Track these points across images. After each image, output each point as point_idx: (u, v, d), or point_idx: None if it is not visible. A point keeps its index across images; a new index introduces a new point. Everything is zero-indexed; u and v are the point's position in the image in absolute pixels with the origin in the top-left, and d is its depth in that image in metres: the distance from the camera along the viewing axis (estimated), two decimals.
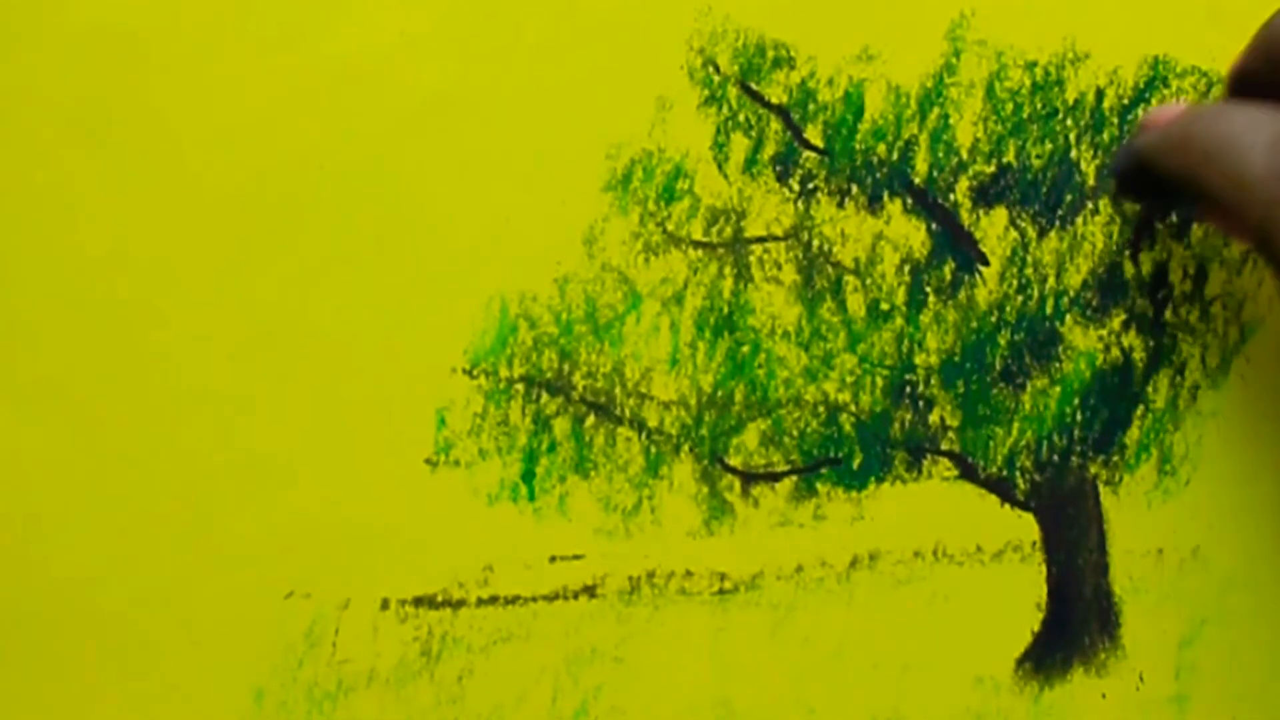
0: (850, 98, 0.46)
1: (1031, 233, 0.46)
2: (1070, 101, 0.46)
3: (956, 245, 0.46)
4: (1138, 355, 0.47)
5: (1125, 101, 0.46)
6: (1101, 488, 0.46)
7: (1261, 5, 0.46)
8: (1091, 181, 0.46)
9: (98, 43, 0.44)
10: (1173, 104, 0.45)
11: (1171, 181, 0.40)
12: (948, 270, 0.46)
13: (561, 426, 0.45)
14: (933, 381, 0.46)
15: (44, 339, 0.43)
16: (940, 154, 0.46)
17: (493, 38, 0.45)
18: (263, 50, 0.44)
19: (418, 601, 0.44)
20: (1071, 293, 0.46)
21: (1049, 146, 0.46)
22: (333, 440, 0.44)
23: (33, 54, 0.43)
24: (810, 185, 0.45)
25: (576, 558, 0.45)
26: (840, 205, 0.46)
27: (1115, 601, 0.46)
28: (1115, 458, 0.47)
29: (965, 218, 0.46)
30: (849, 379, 0.46)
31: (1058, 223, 0.46)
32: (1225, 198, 0.37)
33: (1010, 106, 0.46)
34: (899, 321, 0.46)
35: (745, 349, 0.45)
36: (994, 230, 0.46)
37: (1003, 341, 0.46)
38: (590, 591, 0.44)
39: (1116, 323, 0.47)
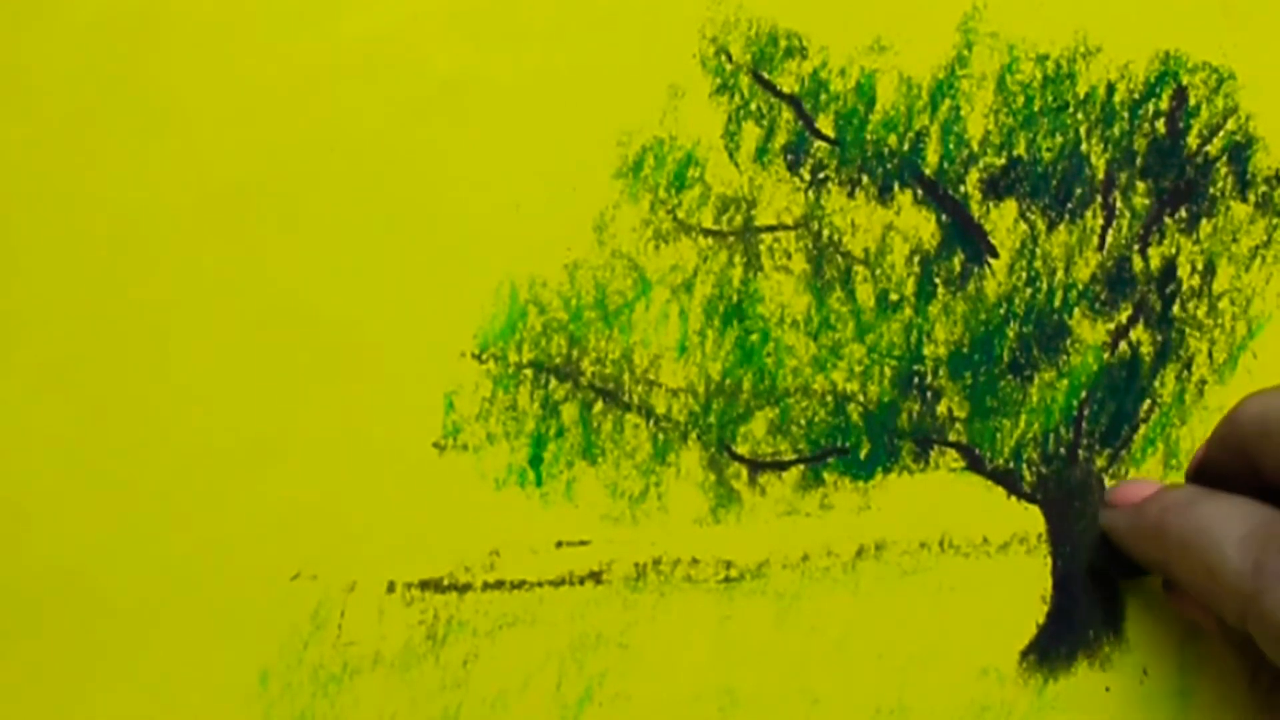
0: (862, 88, 0.46)
1: (1041, 225, 0.46)
2: (1081, 95, 0.46)
3: (966, 237, 0.46)
4: (1145, 349, 0.47)
5: (1136, 96, 0.47)
6: (1108, 481, 0.46)
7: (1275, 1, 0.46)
8: (1101, 175, 0.47)
9: (109, 26, 0.44)
10: (1138, 481, 0.44)
11: (1138, 560, 0.41)
12: (957, 262, 0.46)
13: (570, 412, 0.45)
14: (941, 373, 0.46)
15: (51, 320, 0.43)
16: (951, 146, 0.46)
17: (504, 24, 0.45)
18: (273, 34, 0.44)
19: (424, 585, 0.44)
20: (1080, 286, 0.46)
21: (1059, 140, 0.46)
22: (340, 422, 0.44)
23: (44, 36, 0.43)
24: (821, 175, 0.46)
25: (583, 543, 0.45)
26: (850, 195, 0.46)
27: (1120, 595, 0.46)
28: (1122, 451, 0.47)
29: (975, 209, 0.46)
30: (857, 369, 0.46)
31: (1067, 216, 0.46)
32: (1200, 591, 0.37)
33: (1021, 99, 0.46)
34: (908, 312, 0.46)
35: (754, 337, 0.45)
36: (1004, 222, 0.46)
37: (1011, 334, 0.46)
38: (596, 577, 0.44)
39: (1124, 317, 0.47)
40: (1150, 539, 0.39)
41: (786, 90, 0.45)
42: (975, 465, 0.46)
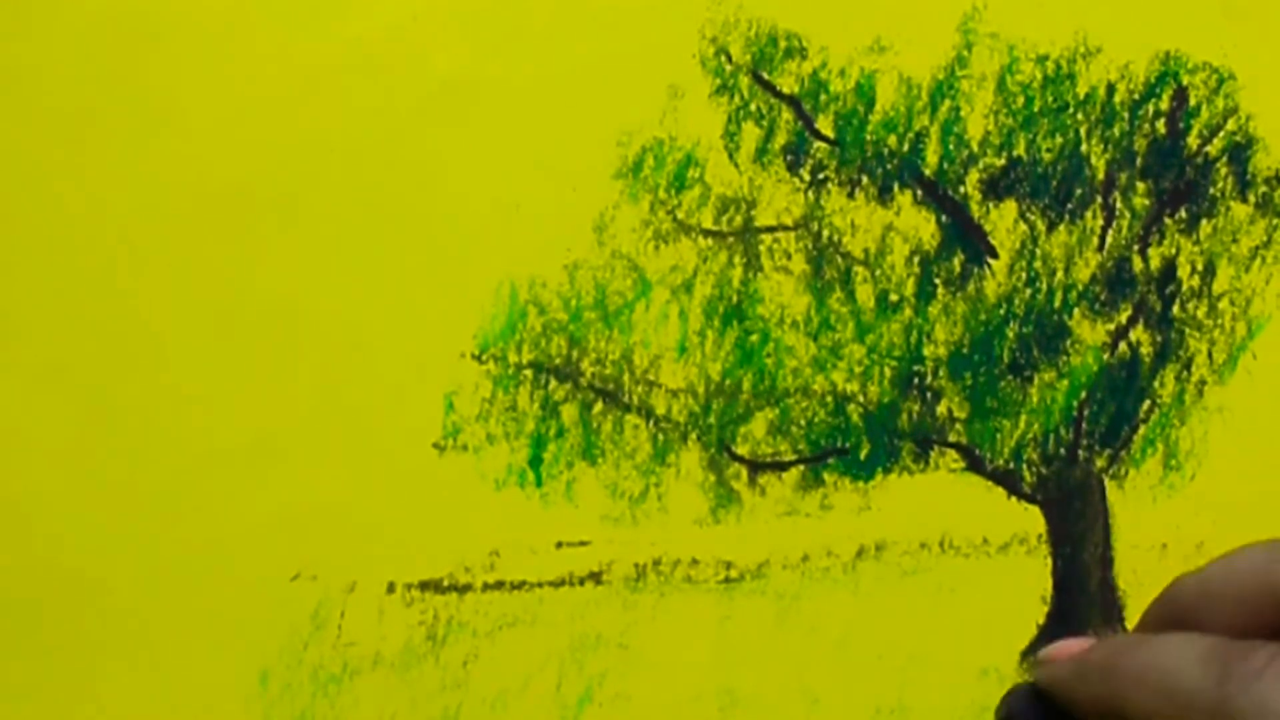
0: (862, 89, 0.46)
1: (1041, 226, 0.46)
2: (1081, 96, 0.46)
3: (966, 237, 0.46)
4: (1145, 350, 0.47)
5: (1136, 96, 0.47)
6: (1107, 482, 0.46)
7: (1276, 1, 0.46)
8: (1101, 176, 0.47)
9: (109, 26, 0.44)
10: (1070, 640, 0.43)
11: (1084, 712, 0.39)
12: (957, 262, 0.46)
13: (569, 413, 0.45)
14: (941, 373, 0.46)
15: (51, 320, 0.43)
16: (951, 146, 0.46)
17: (505, 24, 0.45)
18: (273, 34, 0.44)
19: (424, 585, 0.44)
20: (1080, 286, 0.46)
21: (1059, 140, 0.46)
22: (341, 423, 0.44)
23: (44, 36, 0.43)
24: (821, 175, 0.46)
25: (583, 544, 0.45)
26: (850, 196, 0.46)
27: (1119, 595, 0.46)
28: (1121, 452, 0.47)
29: (975, 210, 0.46)
30: (857, 369, 0.46)
31: (1067, 216, 0.46)
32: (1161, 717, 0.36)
33: (1021, 100, 0.46)
34: (908, 313, 0.46)
35: (754, 338, 0.45)
36: (1003, 223, 0.46)
37: (1011, 334, 0.46)
38: (596, 578, 0.44)
39: (1124, 317, 0.47)
40: (1100, 681, 0.38)
41: (786, 91, 0.45)
42: (975, 466, 0.46)
